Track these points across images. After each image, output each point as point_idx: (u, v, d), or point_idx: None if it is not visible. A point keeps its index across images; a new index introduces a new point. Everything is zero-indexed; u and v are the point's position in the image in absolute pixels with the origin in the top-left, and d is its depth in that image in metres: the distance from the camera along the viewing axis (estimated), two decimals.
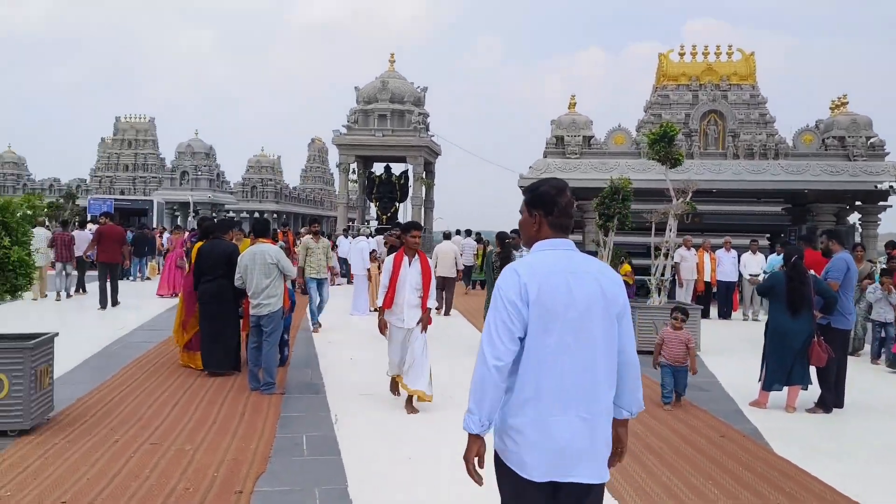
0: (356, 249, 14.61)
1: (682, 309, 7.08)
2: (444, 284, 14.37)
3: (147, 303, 14.45)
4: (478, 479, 2.47)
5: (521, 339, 2.40)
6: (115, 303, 13.57)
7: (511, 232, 10.72)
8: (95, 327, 11.19)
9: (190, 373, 7.81)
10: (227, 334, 7.56)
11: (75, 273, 15.80)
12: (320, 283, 11.42)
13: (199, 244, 8.08)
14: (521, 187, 23.42)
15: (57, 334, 5.96)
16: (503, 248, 9.72)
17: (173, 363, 8.31)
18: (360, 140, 27.03)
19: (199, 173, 52.94)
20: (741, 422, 6.52)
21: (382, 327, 6.50)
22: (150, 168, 60.96)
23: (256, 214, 65.78)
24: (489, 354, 2.37)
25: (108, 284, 13.46)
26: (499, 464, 2.48)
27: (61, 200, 29.76)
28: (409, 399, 6.44)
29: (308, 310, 11.43)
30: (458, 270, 15.49)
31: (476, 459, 2.48)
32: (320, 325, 11.31)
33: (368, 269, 14.16)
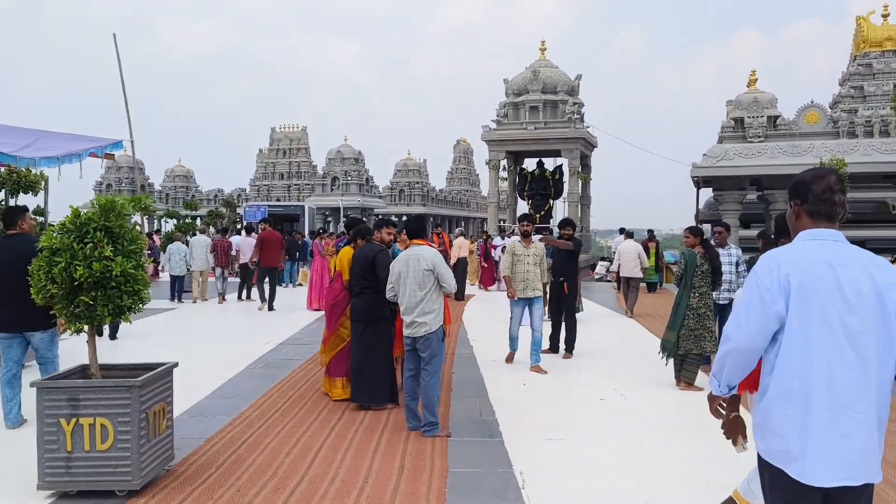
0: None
1: None
2: (629, 285, 14.06)
3: (298, 311, 13.68)
4: (722, 415, 2.61)
5: (775, 333, 2.32)
6: (270, 307, 13.74)
7: (715, 228, 8.65)
8: (241, 341, 10.36)
9: (336, 403, 6.55)
10: (380, 360, 6.20)
11: (233, 279, 15.76)
12: (531, 304, 8.24)
13: (346, 249, 6.83)
14: (694, 178, 20.95)
15: (176, 364, 4.80)
16: (707, 248, 7.68)
17: (320, 387, 7.10)
18: (510, 135, 25.51)
19: (349, 178, 53.79)
20: None
21: None
22: (303, 175, 63.05)
23: (405, 218, 66.36)
24: (734, 338, 2.36)
25: (267, 287, 13.95)
26: (764, 466, 2.36)
27: (221, 209, 30.57)
28: None
29: (509, 337, 8.61)
30: (643, 269, 14.15)
31: (718, 407, 2.63)
32: (540, 369, 8.12)
33: None
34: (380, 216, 61.99)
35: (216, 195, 64.56)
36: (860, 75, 19.96)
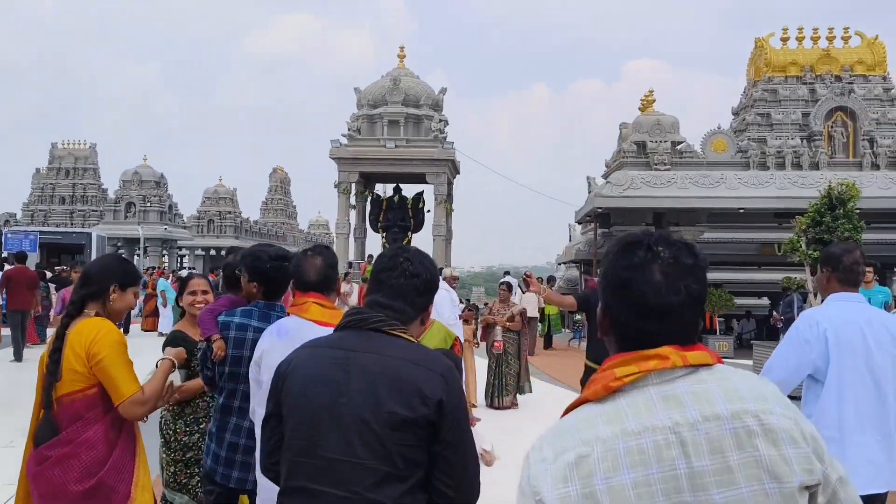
0: (440, 303, 8.74)
1: None
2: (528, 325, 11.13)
3: None
4: None
5: (811, 376, 2.96)
6: (19, 357, 11.61)
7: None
8: None
9: None
10: None
11: None
12: None
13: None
14: (598, 208, 17.86)
15: None
16: None
17: None
18: (366, 152, 21.07)
19: (148, 204, 46.06)
20: None
21: None
22: (89, 200, 53.84)
23: (213, 252, 58.90)
24: (773, 371, 2.93)
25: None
26: None
27: None
28: None
29: None
30: None
31: None
32: None
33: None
34: (182, 249, 54.50)
35: None
36: (765, 101, 18.13)
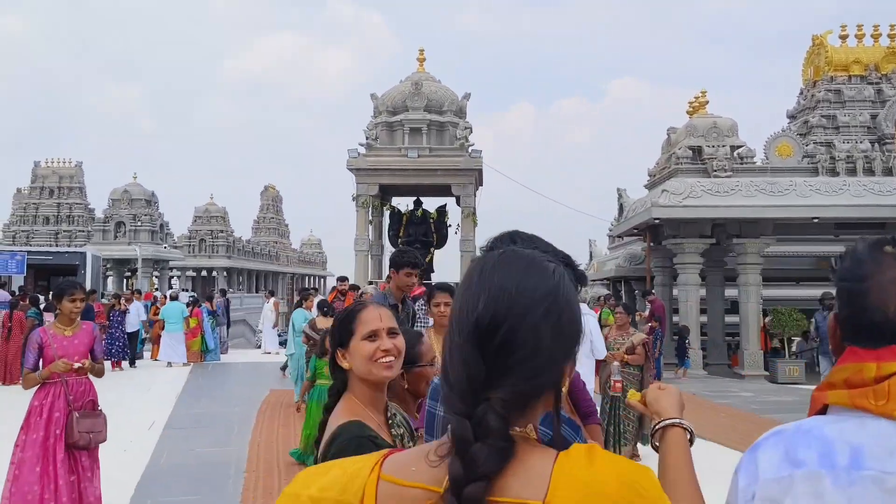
0: (594, 332, 7.03)
1: None
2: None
3: None
4: None
5: None
6: None
7: None
8: None
9: None
10: None
11: None
12: None
13: None
14: (656, 219, 16.21)
15: None
16: None
17: None
18: (386, 162, 19.37)
19: (139, 224, 44.01)
20: None
21: None
22: (75, 220, 51.68)
23: (205, 273, 56.74)
24: None
25: None
26: None
27: None
28: None
29: None
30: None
31: None
32: None
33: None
34: (173, 269, 52.32)
35: None
36: (829, 102, 16.63)
